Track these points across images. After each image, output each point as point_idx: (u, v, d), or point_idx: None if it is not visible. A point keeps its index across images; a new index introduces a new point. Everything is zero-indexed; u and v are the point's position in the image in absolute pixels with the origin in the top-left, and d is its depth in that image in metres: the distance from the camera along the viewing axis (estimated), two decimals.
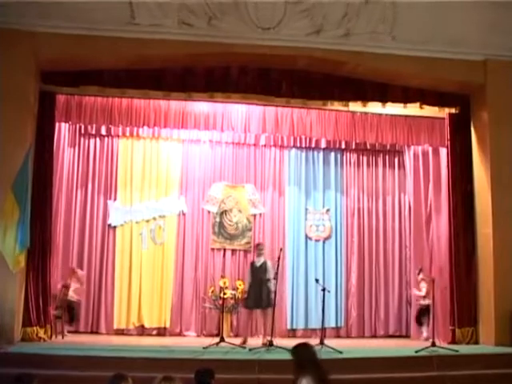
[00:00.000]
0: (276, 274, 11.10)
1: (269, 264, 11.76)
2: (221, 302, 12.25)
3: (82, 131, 13.94)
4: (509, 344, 11.01)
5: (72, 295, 12.53)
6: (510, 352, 10.52)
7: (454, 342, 11.97)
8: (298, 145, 14.79)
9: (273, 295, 11.54)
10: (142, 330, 13.72)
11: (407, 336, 14.25)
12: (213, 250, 14.38)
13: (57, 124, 12.17)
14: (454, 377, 9.35)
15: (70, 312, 12.51)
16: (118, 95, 12.21)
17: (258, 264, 11.73)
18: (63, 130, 13.03)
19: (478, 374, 9.47)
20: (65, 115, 12.21)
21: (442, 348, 10.69)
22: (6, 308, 10.27)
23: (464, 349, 10.98)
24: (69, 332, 12.59)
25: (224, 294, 12.27)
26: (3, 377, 7.19)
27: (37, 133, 11.34)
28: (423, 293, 13.09)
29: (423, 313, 13.19)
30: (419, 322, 13.31)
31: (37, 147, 11.22)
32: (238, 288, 13.61)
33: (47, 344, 10.82)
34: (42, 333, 11.07)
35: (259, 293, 11.48)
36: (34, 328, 10.98)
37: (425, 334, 12.90)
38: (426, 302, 13.03)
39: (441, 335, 12.22)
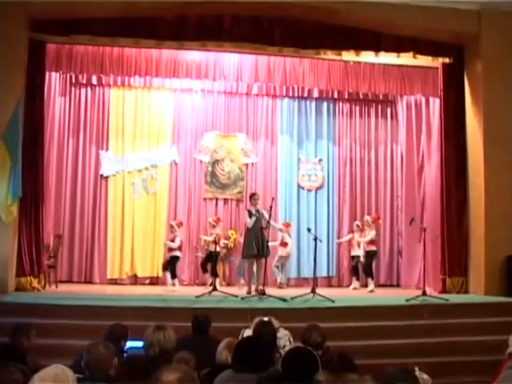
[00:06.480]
0: (268, 223, 11.12)
1: (264, 213, 11.70)
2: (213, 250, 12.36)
3: (73, 81, 13.89)
4: (498, 293, 11.13)
5: None
6: (499, 301, 10.64)
7: (444, 291, 12.08)
8: (291, 94, 14.76)
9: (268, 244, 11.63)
10: (134, 280, 13.85)
11: (398, 285, 14.42)
12: (205, 199, 14.45)
13: (47, 73, 12.02)
14: (443, 325, 9.48)
15: None
16: (109, 44, 12.02)
17: (257, 214, 11.63)
18: (54, 80, 12.95)
19: (467, 322, 9.59)
20: (55, 64, 12.06)
21: (433, 297, 10.80)
22: (0, 258, 10.32)
23: (454, 298, 11.09)
24: (62, 282, 12.67)
25: (216, 243, 12.29)
26: None
27: (27, 82, 11.18)
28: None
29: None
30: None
31: (27, 97, 11.05)
32: (230, 237, 13.67)
33: (41, 294, 10.87)
34: (35, 283, 11.12)
35: (261, 242, 11.39)
36: (28, 278, 11.02)
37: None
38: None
39: (431, 284, 12.34)
